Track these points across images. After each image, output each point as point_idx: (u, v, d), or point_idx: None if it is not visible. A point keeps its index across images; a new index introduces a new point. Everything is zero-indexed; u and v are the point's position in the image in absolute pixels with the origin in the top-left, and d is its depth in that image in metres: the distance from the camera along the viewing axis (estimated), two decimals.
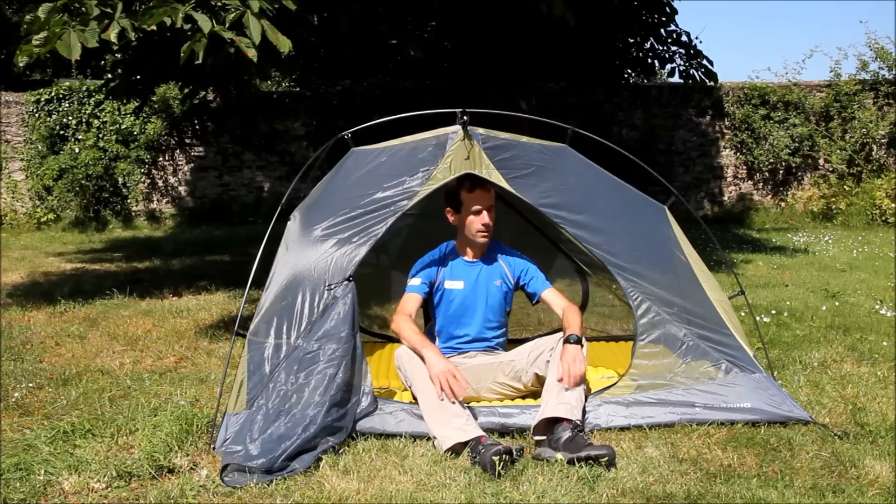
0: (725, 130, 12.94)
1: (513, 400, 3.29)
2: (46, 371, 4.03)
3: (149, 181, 12.79)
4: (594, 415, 3.06)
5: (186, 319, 5.29)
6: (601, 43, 9.05)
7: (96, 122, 12.39)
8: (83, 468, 2.67)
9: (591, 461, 2.65)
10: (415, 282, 3.35)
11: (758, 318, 4.93)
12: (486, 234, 3.34)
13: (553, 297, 3.38)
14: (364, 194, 3.21)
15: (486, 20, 7.75)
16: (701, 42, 9.39)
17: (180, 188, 12.92)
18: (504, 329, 3.51)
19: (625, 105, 12.82)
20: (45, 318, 5.39)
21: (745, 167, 12.98)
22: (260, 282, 3.33)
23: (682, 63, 9.26)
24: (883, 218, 11.87)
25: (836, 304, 5.69)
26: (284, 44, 4.27)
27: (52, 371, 4.02)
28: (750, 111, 12.68)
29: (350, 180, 3.34)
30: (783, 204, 12.89)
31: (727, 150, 12.99)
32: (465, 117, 3.17)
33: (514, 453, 2.69)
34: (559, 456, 2.70)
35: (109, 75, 8.94)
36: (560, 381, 2.97)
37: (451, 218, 3.40)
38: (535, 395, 3.19)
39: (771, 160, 12.74)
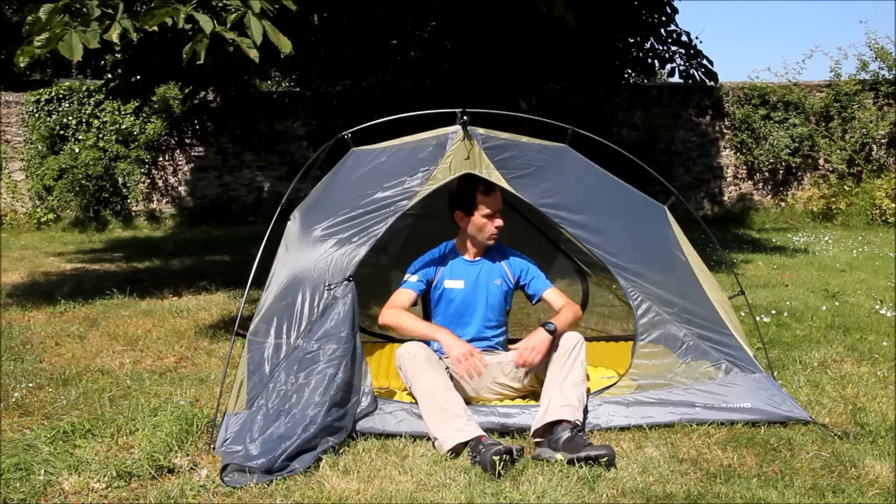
0: (725, 130, 12.94)
1: (512, 400, 3.29)
2: (46, 371, 4.03)
3: (149, 181, 12.79)
4: (594, 415, 3.06)
5: (186, 319, 5.29)
6: (601, 43, 9.04)
7: (96, 122, 12.39)
8: (83, 468, 2.67)
9: (590, 461, 2.65)
10: (411, 279, 3.35)
11: (758, 318, 4.93)
12: (497, 236, 3.36)
13: (554, 296, 3.38)
14: (364, 194, 3.21)
15: (486, 20, 7.75)
16: (701, 42, 9.39)
17: (180, 188, 12.92)
18: (504, 329, 3.51)
19: (625, 105, 12.81)
20: (45, 318, 5.39)
21: (745, 167, 12.98)
22: (260, 282, 3.33)
23: (682, 63, 9.24)
24: (883, 218, 11.87)
25: (836, 304, 5.70)
26: (285, 44, 4.27)
27: (52, 371, 4.02)
28: (750, 111, 12.67)
29: (350, 180, 3.34)
30: (783, 204, 12.89)
31: (727, 150, 12.98)
32: (465, 117, 3.17)
33: (514, 453, 2.69)
34: (559, 456, 2.71)
35: (110, 75, 8.94)
36: (520, 365, 3.09)
37: (460, 219, 3.37)
38: (535, 395, 3.20)
39: (771, 160, 12.73)
